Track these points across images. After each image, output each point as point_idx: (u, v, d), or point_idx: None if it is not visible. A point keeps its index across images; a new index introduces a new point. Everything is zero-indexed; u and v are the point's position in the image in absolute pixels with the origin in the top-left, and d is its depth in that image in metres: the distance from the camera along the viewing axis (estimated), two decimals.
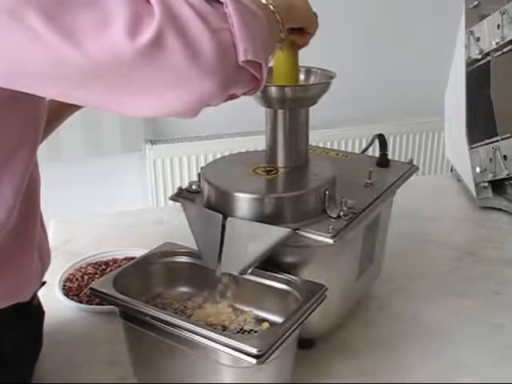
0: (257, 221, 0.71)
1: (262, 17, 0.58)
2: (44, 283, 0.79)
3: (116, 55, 0.48)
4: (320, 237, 0.71)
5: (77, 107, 0.91)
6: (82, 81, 0.50)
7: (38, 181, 0.72)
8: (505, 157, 1.27)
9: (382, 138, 0.95)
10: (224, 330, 0.74)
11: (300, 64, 0.84)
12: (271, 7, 0.62)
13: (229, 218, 0.72)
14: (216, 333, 0.64)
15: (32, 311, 0.77)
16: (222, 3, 0.53)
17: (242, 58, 0.53)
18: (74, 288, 0.98)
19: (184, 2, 0.51)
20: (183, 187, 0.82)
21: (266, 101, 0.78)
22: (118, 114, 0.57)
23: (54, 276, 0.99)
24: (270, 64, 0.79)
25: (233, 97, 0.60)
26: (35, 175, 0.71)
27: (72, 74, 0.49)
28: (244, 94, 0.60)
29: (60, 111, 0.89)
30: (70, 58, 0.47)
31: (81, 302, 0.94)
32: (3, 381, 0.69)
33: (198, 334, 0.64)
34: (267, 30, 0.58)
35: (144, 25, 0.48)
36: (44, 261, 0.75)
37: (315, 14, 0.74)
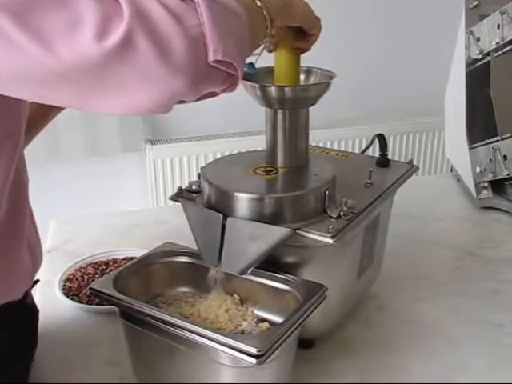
0: (257, 221, 0.71)
1: (241, 14, 0.57)
2: (37, 281, 0.79)
3: (85, 57, 0.48)
4: (320, 237, 0.71)
5: (60, 108, 0.91)
6: (53, 82, 0.50)
7: (26, 179, 0.72)
8: (505, 157, 1.27)
9: (381, 138, 0.95)
10: (224, 330, 0.73)
11: (301, 65, 0.84)
12: (258, 3, 0.62)
13: (229, 218, 0.72)
14: (216, 333, 0.64)
15: (25, 310, 0.77)
16: (194, 1, 0.53)
17: (211, 58, 0.53)
18: (74, 288, 0.98)
19: (155, 1, 0.50)
20: (183, 187, 0.82)
21: (266, 101, 0.78)
22: (92, 113, 0.57)
23: (54, 276, 0.99)
24: (271, 65, 0.79)
25: (212, 94, 0.60)
26: (22, 173, 0.71)
27: (42, 75, 0.49)
28: (223, 91, 0.60)
29: (44, 111, 0.89)
30: (40, 60, 0.48)
31: (81, 302, 0.94)
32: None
33: (198, 334, 0.64)
34: (246, 28, 0.58)
35: (113, 26, 0.48)
36: (35, 259, 0.74)
37: (318, 17, 0.74)
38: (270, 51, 0.77)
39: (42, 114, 0.89)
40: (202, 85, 0.55)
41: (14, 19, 0.46)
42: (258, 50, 0.69)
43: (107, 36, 0.48)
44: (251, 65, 0.78)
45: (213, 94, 0.60)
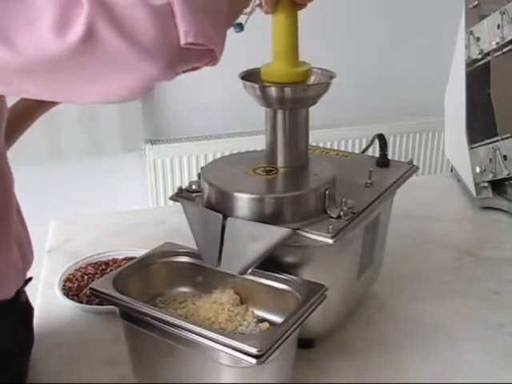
0: (257, 221, 0.71)
1: None
2: (30, 279, 0.79)
3: (47, 53, 0.47)
4: (320, 237, 0.71)
5: (46, 108, 0.91)
6: (22, 78, 0.49)
7: (10, 176, 0.72)
8: (505, 157, 1.27)
9: (381, 138, 0.95)
10: (224, 330, 0.73)
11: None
12: None
13: (229, 218, 0.72)
14: (216, 333, 0.64)
15: (19, 308, 0.76)
16: None
17: (182, 41, 0.50)
18: (73, 288, 0.98)
19: None
20: (183, 187, 0.82)
21: (266, 101, 0.78)
22: (89, 109, 0.57)
23: (54, 276, 0.99)
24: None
25: (194, 68, 0.57)
26: (6, 171, 0.71)
27: (10, 72, 0.48)
28: (205, 65, 0.57)
29: (29, 113, 0.89)
30: (2, 57, 0.47)
31: (81, 302, 0.94)
32: None
33: (197, 334, 0.64)
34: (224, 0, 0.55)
35: (73, 18, 0.46)
36: (25, 256, 0.74)
37: None
38: (267, 13, 0.73)
39: (27, 115, 0.89)
40: (178, 66, 0.53)
41: None
42: (247, 9, 0.66)
43: (67, 30, 0.46)
44: (239, 25, 0.72)
45: (195, 68, 0.57)
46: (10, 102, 0.80)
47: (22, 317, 0.78)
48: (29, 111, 0.90)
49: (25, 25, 0.46)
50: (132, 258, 0.98)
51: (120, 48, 0.48)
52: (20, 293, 0.75)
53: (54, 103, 0.91)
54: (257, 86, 0.76)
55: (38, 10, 0.46)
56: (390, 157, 0.93)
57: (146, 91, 0.54)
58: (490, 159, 1.29)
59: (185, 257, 0.83)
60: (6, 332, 0.71)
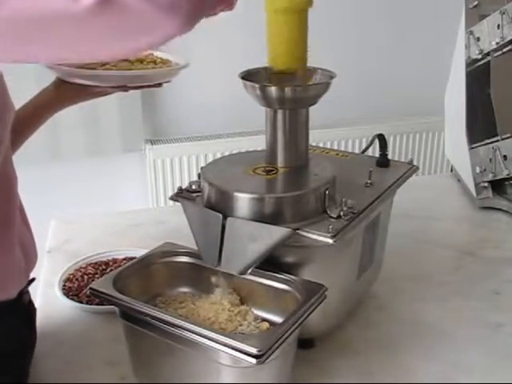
0: (257, 221, 0.71)
1: None
2: (33, 280, 0.79)
3: (66, 16, 0.47)
4: (320, 237, 0.71)
5: (57, 108, 0.91)
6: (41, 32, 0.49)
7: (14, 179, 0.72)
8: (505, 157, 1.27)
9: (381, 138, 0.95)
10: (224, 330, 0.73)
11: None
12: None
13: (229, 218, 0.72)
14: (216, 333, 0.64)
15: (22, 309, 0.76)
16: None
17: None
18: (73, 288, 0.98)
19: None
20: (183, 187, 0.82)
21: (266, 101, 0.78)
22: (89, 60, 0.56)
23: (54, 276, 0.99)
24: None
25: (210, 15, 0.57)
26: (10, 173, 0.71)
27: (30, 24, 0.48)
28: (221, 10, 0.58)
29: (36, 114, 0.89)
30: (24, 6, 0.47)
31: (81, 302, 0.94)
32: None
33: (198, 334, 0.64)
34: None
35: None
36: (28, 257, 0.74)
37: None
38: None
39: (35, 117, 0.89)
40: (197, 18, 0.53)
41: None
42: None
43: None
44: None
45: (211, 15, 0.57)
46: (18, 104, 0.80)
47: (25, 317, 0.78)
48: (38, 111, 0.89)
49: None
50: (132, 258, 0.98)
51: (140, 7, 0.48)
52: (23, 293, 0.75)
53: (65, 102, 0.91)
54: (257, 85, 0.76)
55: None
56: (390, 157, 0.94)
57: (171, 40, 0.54)
58: (490, 159, 1.29)
59: (185, 257, 0.83)
60: (9, 332, 0.71)
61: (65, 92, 0.89)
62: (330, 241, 0.70)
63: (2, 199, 0.68)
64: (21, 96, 0.84)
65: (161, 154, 2.14)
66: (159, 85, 0.91)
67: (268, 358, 0.60)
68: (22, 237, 0.73)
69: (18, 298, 0.72)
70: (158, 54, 0.95)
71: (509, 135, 1.26)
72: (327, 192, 0.75)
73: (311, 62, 0.84)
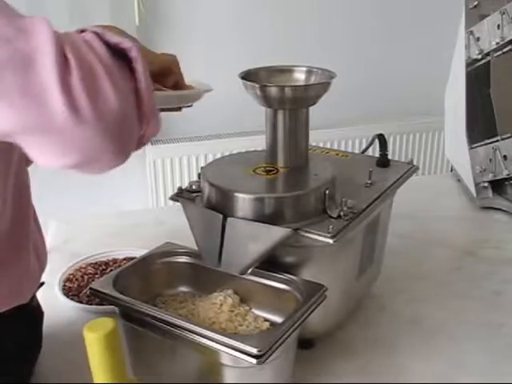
0: (257, 221, 0.71)
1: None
2: (42, 284, 0.79)
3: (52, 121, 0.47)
4: (320, 237, 0.71)
5: None
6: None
7: (28, 183, 0.72)
8: (505, 157, 1.27)
9: (381, 138, 0.95)
10: (224, 330, 0.73)
11: (301, 65, 0.84)
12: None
13: (229, 218, 0.72)
14: (216, 333, 0.64)
15: (31, 312, 0.77)
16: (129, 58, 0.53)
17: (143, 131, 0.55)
18: (73, 288, 0.98)
19: (97, 61, 0.49)
20: (183, 187, 0.82)
21: (266, 101, 0.77)
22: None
23: (54, 276, 0.99)
24: None
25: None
26: (25, 179, 0.71)
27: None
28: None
29: None
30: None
31: (81, 302, 0.94)
32: (3, 381, 0.69)
33: (197, 334, 0.64)
34: None
35: (69, 82, 0.47)
36: (41, 261, 0.75)
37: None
38: None
39: None
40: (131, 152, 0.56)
41: None
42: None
43: (65, 93, 0.47)
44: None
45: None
46: None
47: (33, 320, 0.78)
48: None
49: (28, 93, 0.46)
50: (132, 258, 0.98)
51: (92, 130, 0.48)
52: (32, 297, 0.75)
53: None
54: (257, 85, 0.76)
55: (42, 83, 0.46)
56: (390, 157, 0.94)
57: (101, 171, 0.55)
58: (490, 159, 1.29)
59: (185, 257, 0.83)
60: (17, 335, 0.72)
61: None
62: (330, 241, 0.70)
63: (18, 207, 0.68)
64: None
65: (161, 154, 2.14)
66: (180, 109, 0.87)
67: (268, 358, 0.60)
68: (35, 243, 0.73)
69: (28, 302, 0.72)
70: None
71: (509, 135, 1.26)
72: (327, 192, 0.75)
73: (311, 62, 0.84)
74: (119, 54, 0.53)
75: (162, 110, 0.84)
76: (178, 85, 0.77)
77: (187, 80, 0.81)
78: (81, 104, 0.47)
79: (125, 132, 0.52)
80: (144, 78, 0.53)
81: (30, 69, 0.46)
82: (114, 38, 0.53)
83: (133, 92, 0.53)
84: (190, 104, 0.82)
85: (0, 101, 0.46)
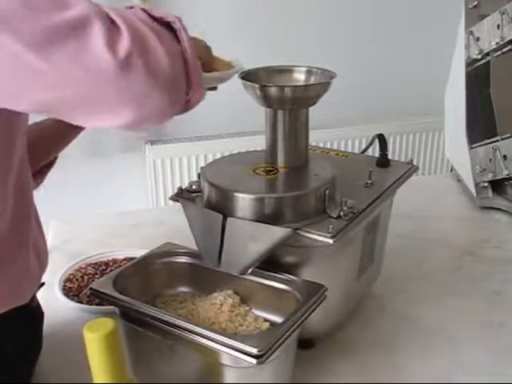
0: (257, 221, 0.71)
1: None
2: (43, 284, 0.79)
3: (100, 70, 0.49)
4: (320, 237, 0.71)
5: (79, 130, 0.91)
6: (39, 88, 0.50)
7: (30, 183, 0.72)
8: (505, 157, 1.27)
9: (381, 138, 0.95)
10: (224, 330, 0.73)
11: (301, 65, 0.84)
12: None
13: (229, 218, 0.72)
14: (216, 333, 0.64)
15: (31, 312, 0.77)
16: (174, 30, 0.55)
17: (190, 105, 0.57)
18: (73, 288, 0.98)
19: (146, 27, 0.53)
20: (183, 187, 0.82)
21: (266, 101, 0.78)
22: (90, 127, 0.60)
23: (54, 276, 0.99)
24: None
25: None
26: (26, 178, 0.71)
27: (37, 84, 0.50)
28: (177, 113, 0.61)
29: (60, 135, 0.89)
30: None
31: (81, 303, 0.94)
32: (3, 381, 0.69)
33: (197, 334, 0.64)
34: None
35: (118, 45, 0.50)
36: (41, 261, 0.75)
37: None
38: None
39: (59, 138, 0.89)
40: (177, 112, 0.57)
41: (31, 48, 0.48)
42: None
43: (116, 52, 0.49)
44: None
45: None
46: None
47: (33, 321, 0.78)
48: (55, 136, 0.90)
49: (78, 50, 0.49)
50: (132, 258, 0.98)
51: (144, 78, 0.51)
52: (32, 297, 0.75)
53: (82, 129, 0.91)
54: (257, 86, 0.76)
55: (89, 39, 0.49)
56: (390, 157, 0.94)
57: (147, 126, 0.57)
58: (490, 159, 1.29)
59: (185, 257, 0.83)
60: (17, 335, 0.72)
61: None
62: (330, 241, 0.70)
63: (19, 207, 0.68)
64: None
65: (161, 154, 2.14)
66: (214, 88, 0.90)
67: (268, 358, 0.60)
68: (36, 242, 0.73)
69: (27, 303, 0.72)
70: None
71: (509, 135, 1.26)
72: (327, 192, 0.75)
73: (311, 62, 0.84)
74: (165, 27, 0.56)
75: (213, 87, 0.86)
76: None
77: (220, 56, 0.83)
78: (133, 62, 0.50)
79: (174, 91, 0.54)
80: (189, 46, 0.55)
81: (80, 35, 0.49)
82: (158, 13, 0.56)
83: (180, 57, 0.55)
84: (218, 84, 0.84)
85: (55, 69, 0.48)
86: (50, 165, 0.89)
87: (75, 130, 0.88)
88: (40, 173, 0.86)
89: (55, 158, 0.90)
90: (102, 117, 0.53)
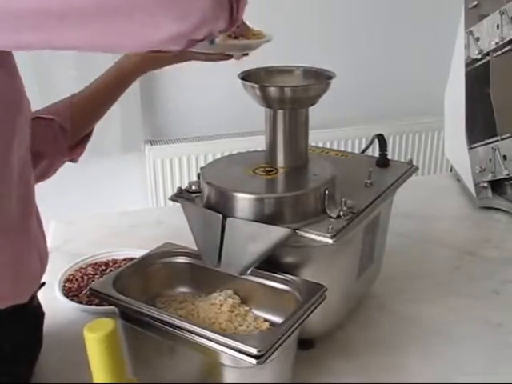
0: (257, 221, 0.71)
1: None
2: (43, 284, 0.79)
3: None
4: (320, 237, 0.71)
5: (137, 75, 0.93)
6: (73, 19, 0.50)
7: (32, 181, 0.72)
8: (504, 157, 1.27)
9: (381, 138, 0.95)
10: (224, 331, 0.73)
11: (301, 65, 0.84)
12: None
13: (229, 219, 0.72)
14: (216, 333, 0.64)
15: (32, 312, 0.77)
16: None
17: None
18: (73, 289, 0.98)
19: None
20: (183, 187, 0.82)
21: (266, 101, 0.78)
22: (116, 51, 0.58)
23: (54, 276, 0.99)
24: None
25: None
26: (30, 179, 0.71)
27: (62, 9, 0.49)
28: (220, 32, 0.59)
29: (117, 84, 0.92)
30: None
31: (81, 303, 0.94)
32: (3, 381, 0.69)
33: (197, 335, 0.64)
34: None
35: None
36: (42, 261, 0.75)
37: None
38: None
39: (120, 83, 0.92)
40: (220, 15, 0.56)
41: None
42: None
43: None
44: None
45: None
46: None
47: (34, 321, 0.78)
48: (121, 77, 0.91)
49: None
50: (132, 259, 0.98)
51: None
52: (33, 297, 0.75)
53: (152, 66, 0.92)
54: (257, 86, 0.76)
55: None
56: (389, 157, 0.94)
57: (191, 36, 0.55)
58: (490, 159, 1.29)
59: (185, 257, 0.83)
60: (17, 335, 0.72)
61: (154, 56, 0.90)
62: (330, 241, 0.70)
63: (22, 203, 0.68)
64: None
65: (161, 154, 2.14)
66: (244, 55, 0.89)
67: (268, 358, 0.60)
68: (37, 242, 0.73)
69: (28, 302, 0.72)
70: None
71: (508, 135, 1.26)
72: (327, 192, 0.75)
73: (311, 62, 0.84)
74: None
75: (227, 55, 0.86)
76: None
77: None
78: None
79: None
80: None
81: None
82: None
83: None
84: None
85: None
86: (88, 136, 0.94)
87: (134, 76, 0.92)
88: (81, 143, 0.92)
89: (91, 131, 0.95)
90: (143, 29, 0.52)
